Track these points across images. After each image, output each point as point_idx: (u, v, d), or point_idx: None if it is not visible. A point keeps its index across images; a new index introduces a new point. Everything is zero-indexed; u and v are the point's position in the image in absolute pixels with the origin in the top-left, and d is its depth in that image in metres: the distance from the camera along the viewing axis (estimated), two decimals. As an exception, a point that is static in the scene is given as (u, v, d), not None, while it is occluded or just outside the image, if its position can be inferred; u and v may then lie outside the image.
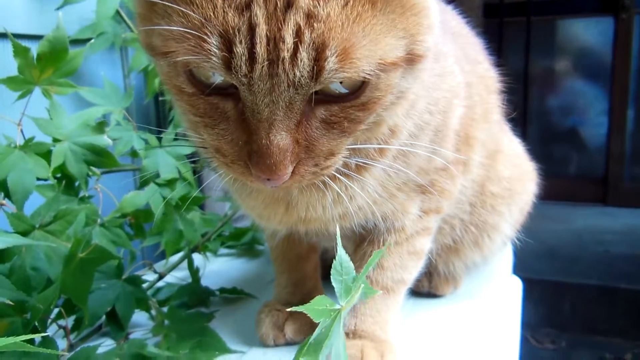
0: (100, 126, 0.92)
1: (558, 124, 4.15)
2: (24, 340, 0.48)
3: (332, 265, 0.57)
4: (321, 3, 0.49)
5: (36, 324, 0.72)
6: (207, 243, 1.26)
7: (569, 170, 4.15)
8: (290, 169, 0.55)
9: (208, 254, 1.26)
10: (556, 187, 3.73)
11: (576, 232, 3.51)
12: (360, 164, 0.68)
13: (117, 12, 1.21)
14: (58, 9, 1.07)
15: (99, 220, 0.95)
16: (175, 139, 1.14)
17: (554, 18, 3.93)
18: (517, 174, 1.01)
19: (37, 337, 0.70)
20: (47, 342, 0.72)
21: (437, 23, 0.60)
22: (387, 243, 0.79)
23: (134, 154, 1.08)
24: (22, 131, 0.87)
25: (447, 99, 0.77)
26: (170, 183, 1.11)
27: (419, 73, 0.60)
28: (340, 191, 0.68)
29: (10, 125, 0.89)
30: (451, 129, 0.80)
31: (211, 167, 0.64)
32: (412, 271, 0.87)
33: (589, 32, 3.91)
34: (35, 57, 0.83)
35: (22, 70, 0.82)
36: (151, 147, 1.09)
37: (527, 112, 4.00)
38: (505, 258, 1.24)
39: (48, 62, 0.84)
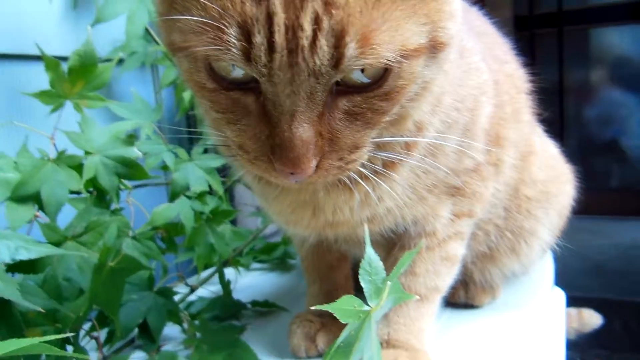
0: (130, 139, 0.94)
1: (597, 136, 4.03)
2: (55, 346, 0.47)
3: (361, 265, 0.55)
4: None
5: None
6: (239, 257, 1.25)
7: (610, 183, 4.01)
8: (314, 162, 0.54)
9: (240, 268, 1.26)
10: (598, 201, 3.61)
11: (622, 247, 3.37)
12: (387, 161, 0.66)
13: (147, 31, 1.24)
14: (91, 26, 1.10)
15: (130, 233, 0.96)
16: (205, 152, 1.15)
17: (586, 27, 3.85)
18: (552, 176, 0.97)
19: (67, 337, 0.70)
20: (78, 350, 0.72)
21: (459, 12, 0.59)
22: (418, 246, 0.77)
23: (164, 167, 1.09)
24: (54, 144, 0.89)
25: (475, 96, 0.75)
26: (200, 196, 1.11)
27: (443, 63, 0.59)
28: (368, 190, 0.67)
29: (43, 138, 0.91)
30: (480, 127, 0.78)
31: (236, 169, 0.63)
32: (446, 278, 0.84)
33: (624, 41, 3.81)
34: (66, 71, 0.86)
35: (54, 84, 0.84)
36: (181, 161, 1.10)
37: (563, 124, 3.90)
38: (546, 268, 1.19)
39: (78, 76, 0.86)
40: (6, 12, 1.07)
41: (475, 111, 0.76)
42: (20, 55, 1.09)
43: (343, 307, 0.51)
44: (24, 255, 0.71)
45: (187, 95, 1.25)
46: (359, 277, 0.54)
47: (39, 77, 0.96)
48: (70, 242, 0.82)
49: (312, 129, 0.52)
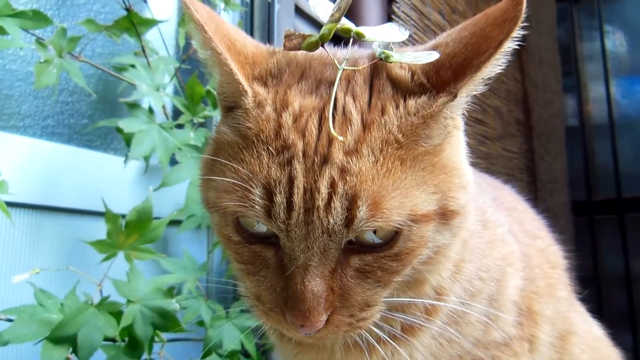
0: (170, 291, 0.98)
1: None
2: None
3: None
4: (354, 160, 0.54)
5: None
6: None
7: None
8: (324, 317, 0.55)
9: None
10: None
11: None
12: (406, 325, 0.66)
13: (206, 196, 1.36)
14: (155, 190, 1.23)
15: (156, 386, 0.96)
16: (243, 312, 1.17)
17: (648, 215, 3.78)
18: (597, 359, 0.91)
19: None
20: None
21: (471, 184, 0.63)
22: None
23: (200, 323, 1.11)
24: (101, 291, 0.95)
25: (500, 267, 0.76)
26: (232, 355, 1.11)
27: (457, 230, 0.61)
28: (385, 356, 0.66)
29: (93, 284, 0.98)
30: (508, 299, 0.77)
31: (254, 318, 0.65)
32: None
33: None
34: (123, 225, 0.95)
35: (110, 234, 0.93)
36: (218, 318, 1.12)
37: (634, 314, 3.63)
38: None
39: (134, 230, 0.95)
40: (84, 173, 1.23)
41: (501, 282, 0.76)
42: (89, 211, 1.22)
43: None
44: (45, 397, 0.73)
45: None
46: None
47: (99, 231, 1.06)
48: (94, 388, 0.83)
49: (324, 284, 0.55)
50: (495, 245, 0.77)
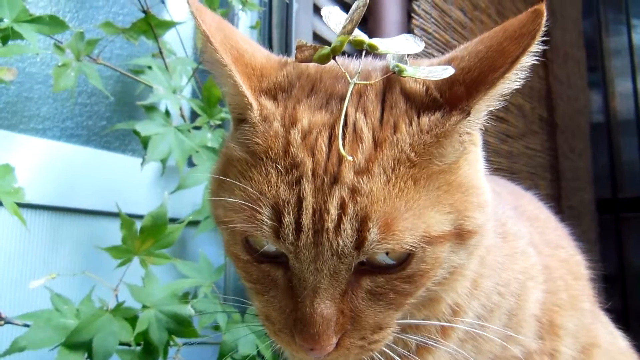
0: (185, 297, 0.98)
1: None
2: None
3: None
4: (364, 179, 0.52)
5: None
6: None
7: None
8: (335, 340, 0.54)
9: None
10: None
11: None
12: (421, 345, 0.64)
13: (222, 198, 1.35)
14: (172, 193, 1.23)
15: (171, 392, 0.96)
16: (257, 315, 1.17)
17: (677, 214, 3.68)
18: (622, 373, 0.88)
19: None
20: None
21: (489, 202, 0.60)
22: None
23: (216, 327, 1.11)
24: (116, 296, 0.95)
25: (520, 280, 0.73)
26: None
27: (473, 249, 0.59)
28: None
29: (107, 289, 0.98)
30: (529, 313, 0.74)
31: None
32: None
33: None
34: (138, 230, 0.95)
35: (126, 240, 0.93)
36: (234, 322, 1.12)
37: (661, 315, 3.55)
38: None
39: (149, 235, 0.94)
40: (103, 174, 1.24)
41: (521, 296, 0.73)
42: (107, 213, 1.23)
43: None
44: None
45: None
46: None
47: (118, 233, 1.07)
48: (108, 394, 0.83)
49: (334, 306, 0.53)
50: (515, 259, 0.75)
